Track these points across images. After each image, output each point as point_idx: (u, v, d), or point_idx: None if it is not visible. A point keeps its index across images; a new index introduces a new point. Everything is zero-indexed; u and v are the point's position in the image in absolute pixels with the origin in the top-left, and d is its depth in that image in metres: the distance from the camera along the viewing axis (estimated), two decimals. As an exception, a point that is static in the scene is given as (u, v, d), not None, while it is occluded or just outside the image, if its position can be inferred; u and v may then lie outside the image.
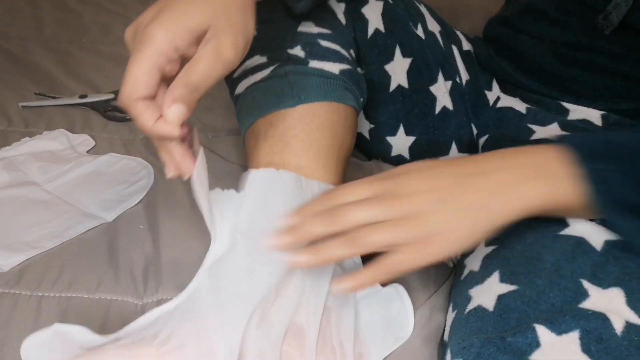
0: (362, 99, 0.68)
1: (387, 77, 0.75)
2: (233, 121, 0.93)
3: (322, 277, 0.53)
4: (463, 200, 0.47)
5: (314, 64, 0.64)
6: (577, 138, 0.50)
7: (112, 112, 0.95)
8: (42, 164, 0.82)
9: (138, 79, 0.46)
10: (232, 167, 0.83)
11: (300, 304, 0.52)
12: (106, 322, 0.59)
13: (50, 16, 1.24)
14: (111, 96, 0.98)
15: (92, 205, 0.75)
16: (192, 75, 0.46)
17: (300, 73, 0.63)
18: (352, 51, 0.70)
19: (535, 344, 0.46)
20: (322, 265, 0.50)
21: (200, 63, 0.46)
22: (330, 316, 0.53)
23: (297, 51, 0.65)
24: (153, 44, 0.46)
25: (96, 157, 0.84)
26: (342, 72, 0.65)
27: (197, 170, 0.51)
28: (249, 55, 0.66)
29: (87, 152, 0.87)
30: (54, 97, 0.98)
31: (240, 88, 0.68)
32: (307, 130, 0.60)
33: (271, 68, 0.65)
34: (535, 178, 0.48)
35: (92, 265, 0.67)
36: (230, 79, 0.70)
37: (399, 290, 0.59)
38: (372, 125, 0.78)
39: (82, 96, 0.97)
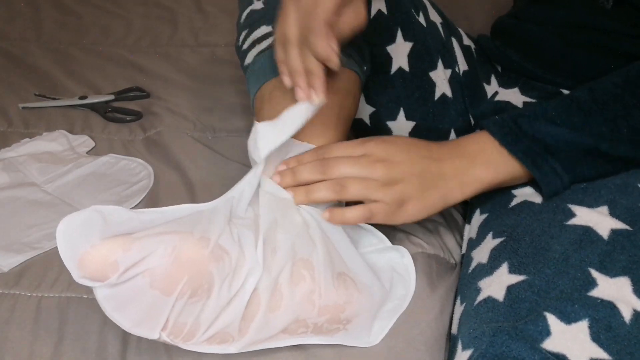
0: (364, 67, 0.70)
1: (388, 59, 0.76)
2: (233, 122, 0.93)
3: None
4: (426, 179, 0.57)
5: None
6: (492, 121, 0.60)
7: (112, 113, 0.95)
8: (41, 165, 0.82)
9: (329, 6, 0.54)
10: (232, 166, 0.83)
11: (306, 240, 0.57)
12: (106, 322, 0.59)
13: (50, 17, 1.25)
14: (111, 97, 0.98)
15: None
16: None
17: None
18: None
19: (546, 332, 0.47)
20: (311, 203, 0.57)
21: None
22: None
23: None
24: None
25: (96, 158, 0.84)
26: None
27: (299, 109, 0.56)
28: (256, 26, 0.73)
29: (87, 153, 0.87)
30: (53, 98, 0.99)
31: (249, 58, 0.71)
32: None
33: None
34: (478, 165, 0.59)
35: (92, 266, 0.67)
36: (241, 51, 0.74)
37: (400, 250, 0.63)
38: (373, 109, 0.79)
39: (82, 97, 0.98)
